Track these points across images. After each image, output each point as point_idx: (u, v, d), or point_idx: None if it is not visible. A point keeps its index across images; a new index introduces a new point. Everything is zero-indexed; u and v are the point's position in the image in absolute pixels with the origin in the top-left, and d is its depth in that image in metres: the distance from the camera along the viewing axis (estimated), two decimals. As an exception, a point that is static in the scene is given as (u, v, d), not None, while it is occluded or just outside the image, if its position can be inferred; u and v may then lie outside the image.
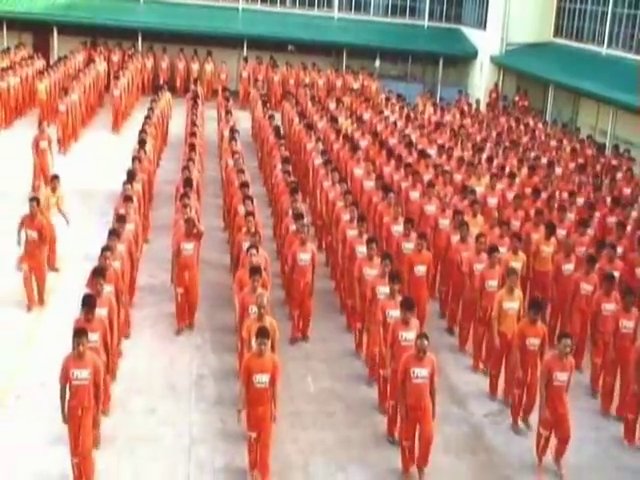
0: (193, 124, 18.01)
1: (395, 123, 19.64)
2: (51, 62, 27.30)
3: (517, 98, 27.20)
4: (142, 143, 15.17)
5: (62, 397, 7.49)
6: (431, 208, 12.85)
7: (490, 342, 10.09)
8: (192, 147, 15.68)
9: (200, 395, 9.55)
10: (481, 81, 29.41)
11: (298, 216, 11.30)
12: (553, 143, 19.45)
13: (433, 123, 21.10)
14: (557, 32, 27.80)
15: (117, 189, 12.91)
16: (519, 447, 8.99)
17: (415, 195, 13.71)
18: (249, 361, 7.73)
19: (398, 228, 11.85)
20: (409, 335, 8.45)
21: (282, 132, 18.49)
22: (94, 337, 8.00)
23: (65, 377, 7.44)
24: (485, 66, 29.25)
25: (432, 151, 17.12)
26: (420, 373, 7.89)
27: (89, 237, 13.65)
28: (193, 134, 16.85)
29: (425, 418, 8.00)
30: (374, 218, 12.87)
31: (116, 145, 20.65)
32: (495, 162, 16.29)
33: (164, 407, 9.22)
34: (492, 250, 10.41)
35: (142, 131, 16.19)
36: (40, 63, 25.37)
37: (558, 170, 16.60)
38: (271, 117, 19.43)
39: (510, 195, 13.88)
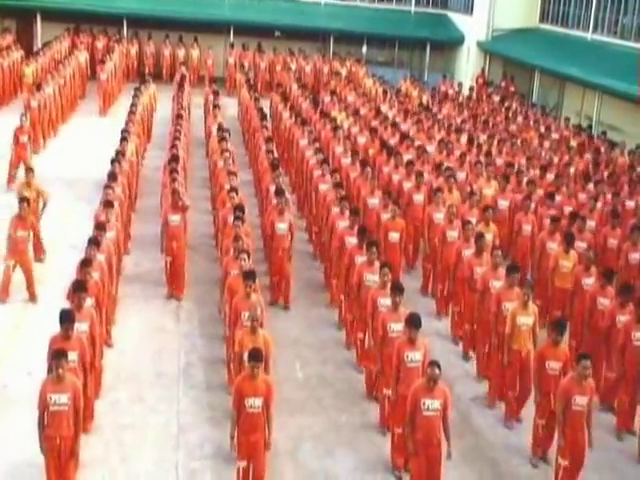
0: (180, 106, 18.42)
1: (395, 123, 18.26)
2: (35, 48, 27.07)
3: (503, 84, 27.23)
4: (123, 142, 14.28)
5: (40, 425, 6.92)
6: (439, 216, 11.95)
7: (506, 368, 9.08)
8: (178, 128, 15.99)
9: (188, 383, 9.56)
10: (468, 67, 29.40)
11: (279, 191, 11.78)
12: (555, 136, 18.76)
13: (430, 118, 19.69)
14: (543, 18, 27.81)
15: (103, 176, 12.80)
16: (505, 430, 9.07)
17: (419, 198, 12.93)
18: (241, 384, 7.18)
19: (374, 201, 12.43)
20: (415, 356, 7.83)
21: (269, 122, 18.48)
22: (72, 356, 7.41)
23: (42, 403, 6.86)
24: (472, 52, 29.23)
25: (431, 147, 16.31)
26: (432, 405, 7.19)
27: (75, 225, 13.60)
28: (180, 116, 17.12)
29: (437, 455, 7.31)
30: (352, 192, 13.23)
31: (102, 132, 20.47)
32: (500, 161, 15.32)
33: (152, 395, 9.22)
34: (512, 269, 9.32)
35: (124, 130, 15.30)
36: (18, 54, 24.59)
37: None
38: (256, 100, 19.61)
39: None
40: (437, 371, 7.13)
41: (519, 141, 17.15)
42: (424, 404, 7.18)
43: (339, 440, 8.66)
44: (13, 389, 9.04)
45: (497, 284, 9.53)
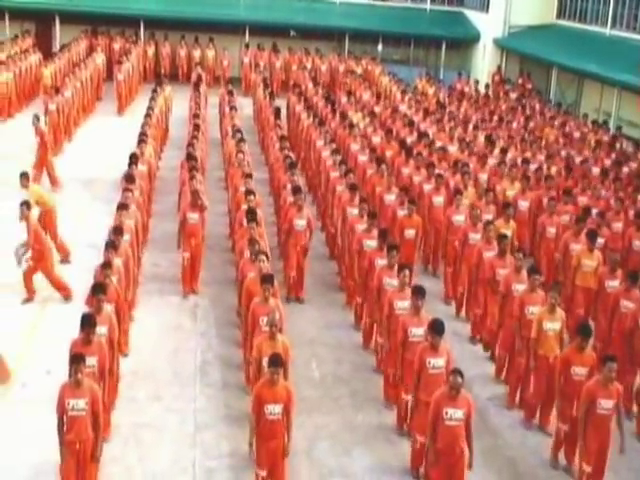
0: (197, 106, 18.54)
1: (412, 122, 18.11)
2: (53, 50, 27.30)
3: (520, 81, 27.05)
4: (141, 144, 14.25)
5: (59, 429, 6.91)
6: (460, 218, 11.81)
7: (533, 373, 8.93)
8: (196, 127, 16.05)
9: (205, 381, 9.58)
10: (484, 64, 29.24)
11: (296, 189, 11.79)
12: (577, 134, 18.49)
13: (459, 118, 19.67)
14: (560, 14, 27.58)
15: (120, 176, 12.87)
16: (523, 430, 9.01)
17: (439, 200, 12.75)
18: (260, 390, 7.09)
19: (390, 197, 12.56)
20: (438, 362, 7.68)
21: (285, 122, 18.50)
22: (92, 361, 7.41)
23: (61, 408, 6.86)
24: (488, 49, 29.07)
25: (453, 147, 16.12)
26: (454, 414, 7.02)
27: (92, 225, 13.67)
28: (196, 115, 17.23)
29: (458, 465, 7.14)
30: (367, 189, 13.32)
31: (119, 132, 20.61)
32: (525, 164, 14.77)
33: (169, 394, 9.26)
34: (533, 271, 9.17)
35: (142, 133, 15.27)
36: (36, 57, 24.74)
37: (595, 170, 15.07)
38: (271, 99, 19.64)
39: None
40: (460, 380, 6.97)
41: (541, 141, 16.90)
42: (447, 413, 7.02)
43: (355, 439, 8.64)
44: (33, 388, 9.11)
45: (520, 287, 9.34)
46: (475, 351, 10.71)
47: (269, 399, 7.04)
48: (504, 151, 15.49)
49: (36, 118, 16.27)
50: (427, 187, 13.11)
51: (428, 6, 31.72)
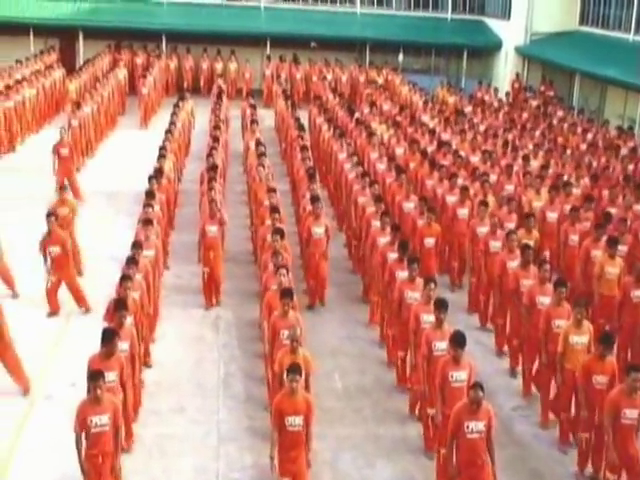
0: (217, 118, 18.71)
1: (434, 131, 17.95)
2: (77, 66, 27.71)
3: (542, 88, 26.89)
4: (161, 159, 14.27)
5: (78, 446, 6.94)
6: (484, 230, 11.55)
7: (560, 388, 8.79)
8: (216, 139, 16.19)
9: (228, 393, 9.61)
10: (506, 72, 29.11)
11: (314, 198, 11.94)
12: (600, 142, 18.16)
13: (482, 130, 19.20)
14: (583, 20, 27.38)
15: (143, 190, 12.97)
16: (548, 441, 8.90)
17: (463, 212, 12.59)
18: (280, 402, 7.10)
19: (409, 205, 12.67)
20: (460, 375, 7.63)
21: (307, 134, 18.54)
22: (112, 376, 7.47)
23: (81, 425, 6.88)
24: (510, 57, 28.96)
25: (475, 158, 15.98)
26: (475, 427, 7.00)
27: (116, 238, 13.80)
28: (217, 127, 17.37)
29: (481, 476, 7.06)
30: (387, 198, 13.29)
31: (142, 145, 20.79)
32: (550, 170, 14.80)
33: (192, 406, 9.29)
34: (559, 284, 8.95)
35: (162, 147, 15.25)
36: (60, 73, 25.14)
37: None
38: (293, 110, 19.76)
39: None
40: (480, 394, 6.93)
41: (567, 151, 16.59)
42: (467, 427, 6.99)
43: (378, 451, 8.60)
44: (57, 400, 9.19)
45: (544, 300, 9.19)
46: (499, 361, 10.62)
47: (289, 411, 7.04)
48: (527, 159, 15.36)
49: (63, 129, 16.60)
50: (450, 199, 13.02)
51: (449, 15, 31.69)
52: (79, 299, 11.42)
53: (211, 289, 11.82)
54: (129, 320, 8.44)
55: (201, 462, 8.26)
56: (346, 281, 12.98)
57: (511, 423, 9.24)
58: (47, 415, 8.95)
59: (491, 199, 12.82)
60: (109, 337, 7.59)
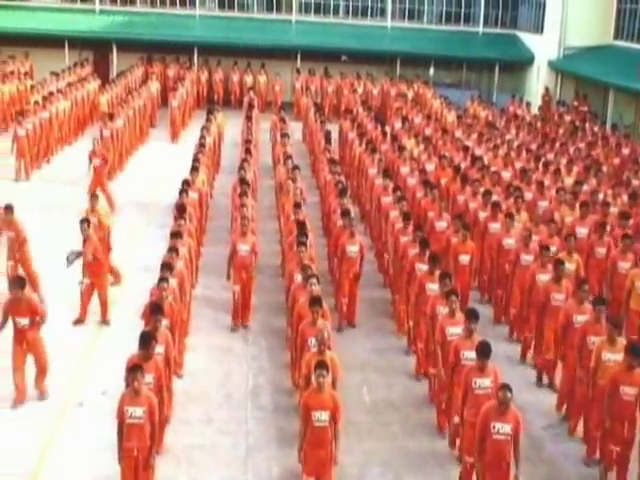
0: (249, 130, 18.80)
1: (466, 147, 17.78)
2: (110, 77, 28.14)
3: (576, 103, 26.66)
4: (193, 172, 14.25)
5: (119, 435, 7.20)
6: (511, 242, 11.65)
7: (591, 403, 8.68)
8: (248, 151, 16.29)
9: (256, 404, 9.62)
10: (538, 86, 28.94)
11: (345, 212, 11.91)
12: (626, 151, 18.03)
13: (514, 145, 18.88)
14: (617, 34, 27.12)
15: (174, 201, 13.08)
16: (578, 460, 8.75)
17: (495, 227, 12.41)
18: (308, 397, 7.35)
19: (442, 224, 12.52)
20: (484, 382, 7.69)
21: (338, 148, 18.57)
22: (149, 378, 7.60)
23: (120, 414, 7.14)
24: (542, 71, 28.79)
25: (507, 174, 15.97)
26: (502, 428, 7.03)
27: (147, 248, 13.93)
28: (248, 141, 17.46)
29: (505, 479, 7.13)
30: (418, 213, 13.25)
31: (173, 157, 21.03)
32: (585, 187, 14.55)
33: (221, 416, 9.32)
34: (598, 302, 8.94)
35: (194, 160, 15.26)
36: (94, 84, 25.55)
37: None
38: (322, 123, 19.79)
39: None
40: (509, 394, 6.97)
41: (604, 168, 16.39)
42: (494, 427, 7.03)
43: (407, 466, 8.53)
44: (89, 407, 9.28)
45: (581, 319, 9.12)
46: (528, 377, 10.50)
47: (316, 406, 7.23)
48: (559, 174, 15.19)
49: (96, 140, 16.82)
50: (482, 214, 12.94)
51: (480, 29, 31.64)
52: (103, 310, 11.51)
53: (240, 308, 11.51)
54: (164, 324, 8.59)
55: (229, 473, 8.27)
56: (375, 295, 12.93)
57: (541, 442, 9.11)
58: (78, 422, 9.03)
59: (524, 214, 12.69)
60: (147, 340, 7.75)
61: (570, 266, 10.62)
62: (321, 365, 7.27)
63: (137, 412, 7.10)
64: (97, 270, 11.39)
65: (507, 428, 7.02)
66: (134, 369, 7.14)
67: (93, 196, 13.04)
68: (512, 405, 7.09)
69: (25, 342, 9.20)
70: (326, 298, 10.31)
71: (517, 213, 12.49)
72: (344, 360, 10.04)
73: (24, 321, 9.12)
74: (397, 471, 8.43)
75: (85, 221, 11.40)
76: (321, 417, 7.22)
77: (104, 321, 11.49)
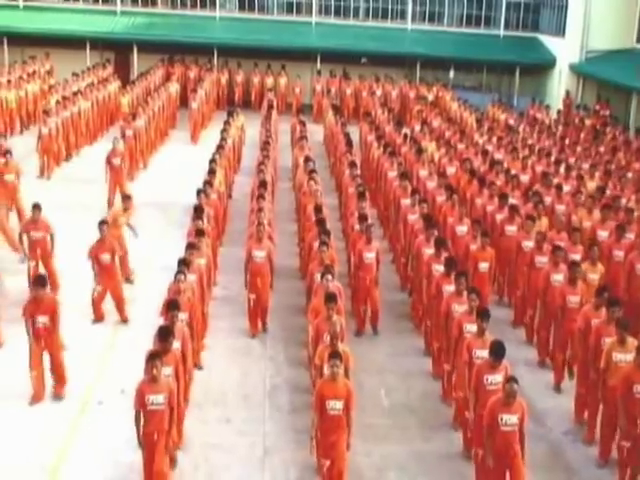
0: (268, 133, 18.84)
1: (486, 151, 17.75)
2: (131, 78, 28.33)
3: (598, 107, 26.43)
4: (211, 173, 14.28)
5: (137, 422, 7.38)
6: (530, 244, 11.66)
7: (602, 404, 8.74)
8: (266, 154, 16.31)
9: (274, 405, 9.63)
10: (559, 90, 28.73)
11: (362, 217, 11.94)
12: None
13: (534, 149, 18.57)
14: (640, 38, 26.92)
15: (193, 202, 13.13)
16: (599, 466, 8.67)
17: (512, 229, 12.45)
18: (322, 387, 7.53)
19: (462, 228, 12.36)
20: (495, 379, 7.78)
21: (357, 151, 18.54)
22: (168, 371, 7.80)
23: (140, 402, 7.33)
24: (564, 75, 28.58)
25: (526, 177, 15.96)
26: (509, 420, 7.23)
27: (167, 248, 13.97)
28: (267, 142, 17.50)
29: (515, 464, 7.31)
30: (438, 218, 13.16)
31: (193, 157, 21.09)
32: (607, 192, 14.50)
33: (239, 417, 9.34)
34: (612, 304, 8.86)
35: (212, 160, 15.28)
36: (115, 85, 25.74)
37: None
38: (343, 125, 19.74)
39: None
40: (515, 387, 7.18)
41: (629, 174, 16.12)
42: (502, 419, 7.23)
43: (424, 469, 8.50)
44: (108, 406, 9.35)
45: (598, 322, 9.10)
46: (548, 382, 10.41)
47: (330, 395, 7.41)
48: (581, 179, 15.02)
49: (116, 139, 16.93)
50: (499, 217, 12.90)
51: (501, 32, 31.48)
52: (120, 310, 11.56)
53: (257, 315, 11.43)
54: (182, 319, 8.73)
55: (246, 473, 8.29)
56: (392, 298, 12.89)
57: (561, 448, 9.03)
58: (98, 420, 9.09)
59: (544, 220, 12.62)
60: (165, 334, 7.93)
61: (594, 276, 10.55)
62: (334, 355, 7.48)
63: (158, 399, 7.30)
64: (111, 272, 11.41)
65: (514, 419, 7.25)
66: (153, 356, 7.36)
67: (125, 197, 13.14)
68: (518, 396, 7.25)
69: (43, 341, 9.26)
70: (346, 302, 10.38)
71: (538, 218, 12.36)
72: (362, 363, 10.09)
73: (44, 320, 9.20)
74: (414, 475, 8.39)
75: (103, 222, 11.48)
76: (335, 406, 7.42)
77: (123, 320, 11.55)
